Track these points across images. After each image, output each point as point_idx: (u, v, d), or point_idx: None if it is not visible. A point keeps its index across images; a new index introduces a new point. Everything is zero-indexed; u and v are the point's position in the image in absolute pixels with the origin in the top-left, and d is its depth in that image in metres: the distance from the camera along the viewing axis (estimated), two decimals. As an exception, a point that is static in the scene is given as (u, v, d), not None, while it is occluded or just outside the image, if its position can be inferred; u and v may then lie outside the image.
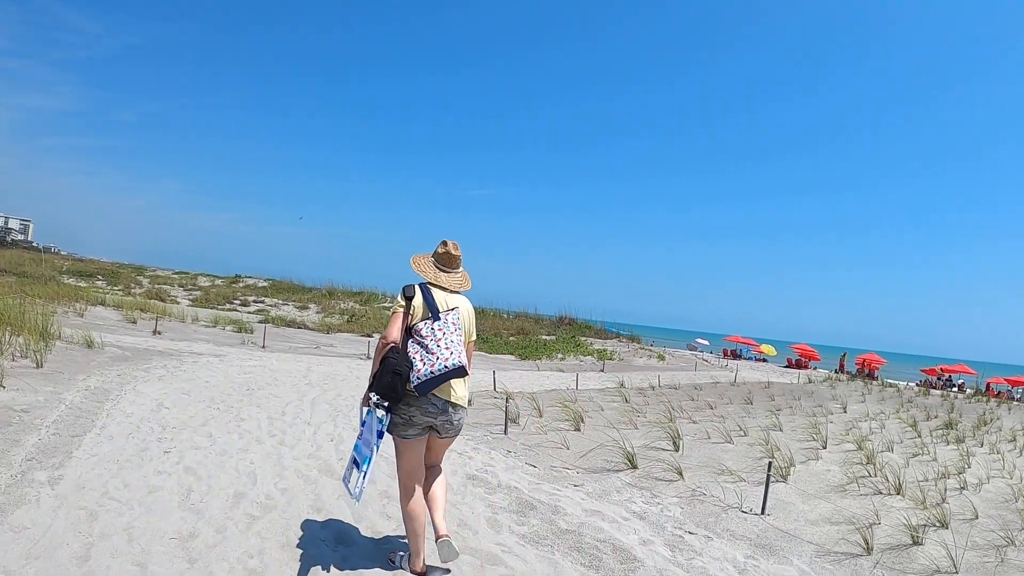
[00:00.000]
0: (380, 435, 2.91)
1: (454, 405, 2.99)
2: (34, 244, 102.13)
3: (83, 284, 26.88)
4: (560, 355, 20.19)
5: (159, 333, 12.45)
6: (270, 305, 27.20)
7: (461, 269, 3.22)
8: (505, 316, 29.61)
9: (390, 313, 3.03)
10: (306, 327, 19.13)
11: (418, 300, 2.99)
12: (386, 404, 2.84)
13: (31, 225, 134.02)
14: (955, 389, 31.51)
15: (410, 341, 2.92)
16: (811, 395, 17.24)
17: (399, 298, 3.01)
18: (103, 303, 15.59)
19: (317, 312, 25.24)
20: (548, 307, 31.70)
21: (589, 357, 20.92)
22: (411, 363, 2.85)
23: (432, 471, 3.18)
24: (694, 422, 9.39)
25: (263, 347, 12.59)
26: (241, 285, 32.99)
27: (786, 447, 8.01)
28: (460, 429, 3.11)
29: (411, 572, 3.07)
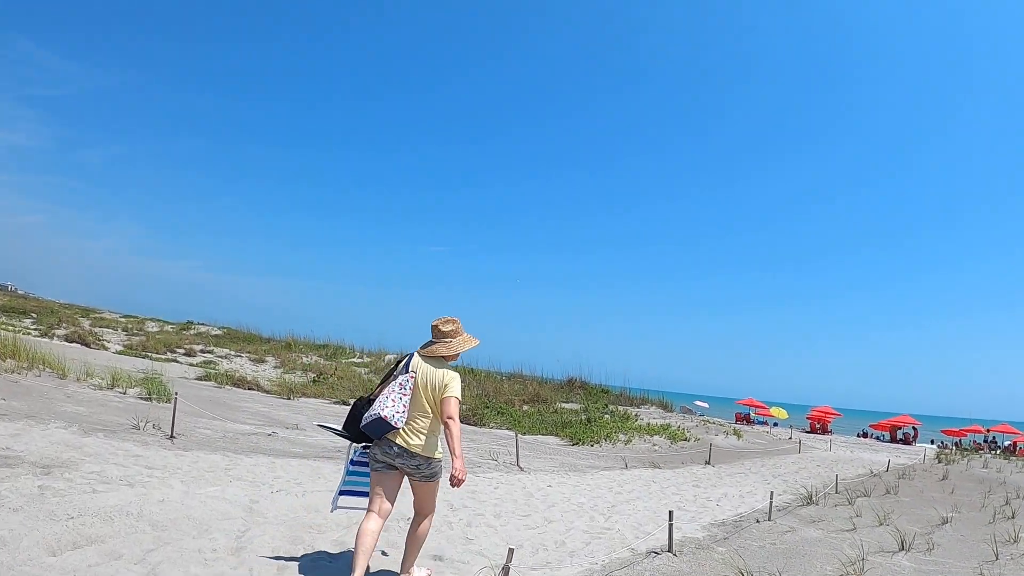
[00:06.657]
0: (352, 463, 3.69)
1: (408, 452, 3.38)
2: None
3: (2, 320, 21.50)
4: (622, 436, 14.48)
5: (-24, 404, 6.52)
6: (220, 356, 21.49)
7: (447, 339, 3.56)
8: (498, 377, 23.85)
9: None
10: (259, 387, 13.32)
11: (399, 366, 3.57)
12: (348, 435, 3.60)
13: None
14: (999, 451, 29.46)
15: None
16: (1005, 485, 12.15)
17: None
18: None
19: (275, 367, 19.96)
20: (505, 365, 27.14)
21: (657, 436, 15.29)
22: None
23: (417, 517, 3.57)
24: None
25: (171, 437, 6.62)
26: (191, 332, 28.34)
27: None
28: (430, 475, 3.44)
29: None
